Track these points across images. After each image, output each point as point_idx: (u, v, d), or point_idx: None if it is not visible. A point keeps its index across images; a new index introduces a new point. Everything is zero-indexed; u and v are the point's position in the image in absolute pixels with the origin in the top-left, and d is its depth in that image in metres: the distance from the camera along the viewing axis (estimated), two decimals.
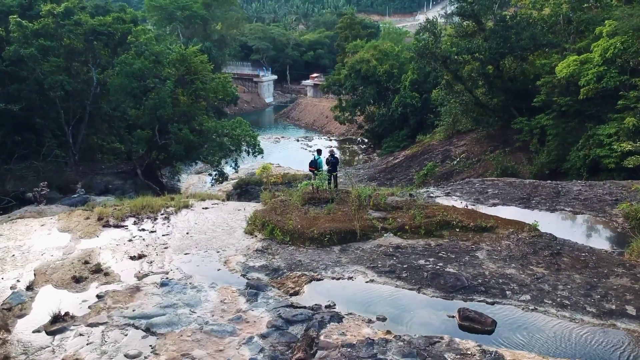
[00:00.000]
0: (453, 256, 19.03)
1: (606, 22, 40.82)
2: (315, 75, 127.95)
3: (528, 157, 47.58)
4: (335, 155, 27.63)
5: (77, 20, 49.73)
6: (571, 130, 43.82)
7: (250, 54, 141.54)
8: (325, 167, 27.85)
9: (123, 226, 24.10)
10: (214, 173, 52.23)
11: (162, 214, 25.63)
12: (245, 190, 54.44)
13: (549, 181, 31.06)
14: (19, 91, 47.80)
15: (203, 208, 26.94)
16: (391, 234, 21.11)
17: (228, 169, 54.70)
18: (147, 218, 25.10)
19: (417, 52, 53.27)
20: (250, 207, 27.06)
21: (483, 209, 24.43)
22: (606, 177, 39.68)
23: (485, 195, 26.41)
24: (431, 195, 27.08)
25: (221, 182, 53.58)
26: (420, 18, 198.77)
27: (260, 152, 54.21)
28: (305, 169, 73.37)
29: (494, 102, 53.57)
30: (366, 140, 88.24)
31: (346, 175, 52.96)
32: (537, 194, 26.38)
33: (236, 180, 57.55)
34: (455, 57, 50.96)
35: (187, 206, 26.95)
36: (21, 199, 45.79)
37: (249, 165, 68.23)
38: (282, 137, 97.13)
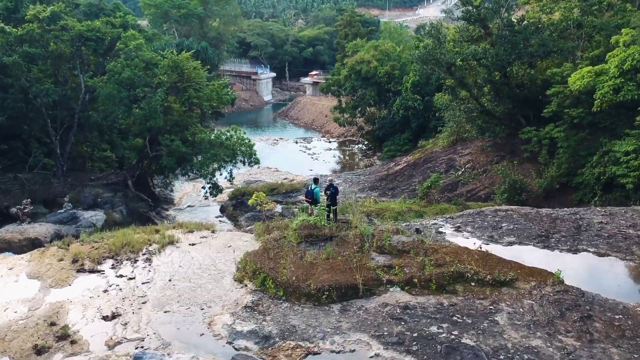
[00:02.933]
0: (469, 321, 16.67)
1: (623, 30, 38.47)
2: (314, 72, 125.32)
3: (537, 169, 45.28)
4: (335, 185, 25.20)
5: (63, 25, 47.29)
6: (583, 141, 41.56)
7: (249, 50, 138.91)
8: (322, 195, 25.52)
9: (99, 271, 21.73)
10: (207, 186, 49.78)
11: (143, 254, 23.24)
12: (240, 202, 52.16)
13: (566, 209, 28.68)
14: (3, 100, 45.68)
15: (190, 244, 24.55)
16: (398, 288, 18.74)
17: (222, 180, 52.30)
18: (127, 260, 22.71)
19: (420, 59, 50.77)
20: (242, 242, 24.72)
21: (498, 249, 22.01)
22: (621, 194, 37.58)
23: (499, 232, 24.02)
24: (440, 230, 24.67)
25: (215, 195, 51.16)
26: (421, 12, 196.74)
27: (257, 162, 51.92)
28: (303, 173, 71.87)
29: (500, 109, 51.14)
30: (366, 142, 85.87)
31: (346, 189, 50.84)
32: (556, 229, 23.99)
33: (232, 190, 55.24)
34: (460, 62, 48.58)
35: (172, 242, 24.55)
36: (5, 215, 43.66)
37: (245, 170, 65.88)
38: (280, 138, 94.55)
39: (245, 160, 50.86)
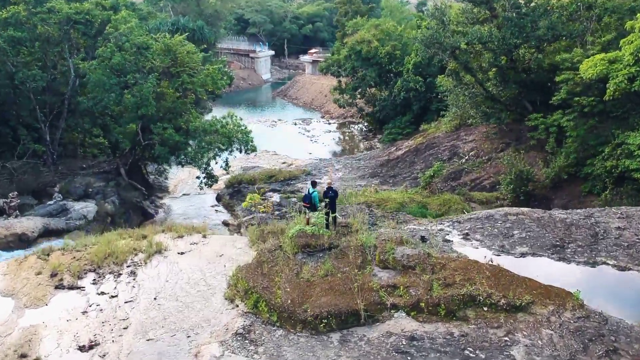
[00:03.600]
0: (483, 356, 15.04)
1: (638, 15, 36.50)
2: (313, 50, 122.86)
3: (543, 157, 43.56)
4: (334, 188, 23.45)
5: (50, 7, 45.40)
6: (592, 130, 39.76)
7: (247, 27, 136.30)
8: (321, 197, 23.75)
9: (79, 287, 20.10)
10: (202, 176, 48.05)
11: (128, 266, 21.58)
12: (237, 190, 50.52)
13: (579, 211, 26.93)
14: None
15: (178, 253, 22.86)
16: (403, 314, 17.09)
17: (218, 167, 50.56)
18: (110, 273, 21.06)
19: (423, 42, 48.72)
20: (234, 250, 23.06)
21: (510, 262, 20.32)
22: (633, 187, 35.98)
23: (510, 240, 22.31)
24: (447, 237, 22.93)
25: (210, 186, 49.44)
26: None
27: (253, 149, 50.21)
28: (303, 157, 70.17)
29: (506, 94, 49.23)
30: (366, 124, 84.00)
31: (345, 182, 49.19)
32: (572, 238, 22.30)
33: (228, 178, 53.48)
34: (465, 46, 46.61)
35: (159, 251, 22.86)
36: None
37: (242, 154, 64.12)
38: (279, 120, 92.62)
39: (242, 147, 49.12)
